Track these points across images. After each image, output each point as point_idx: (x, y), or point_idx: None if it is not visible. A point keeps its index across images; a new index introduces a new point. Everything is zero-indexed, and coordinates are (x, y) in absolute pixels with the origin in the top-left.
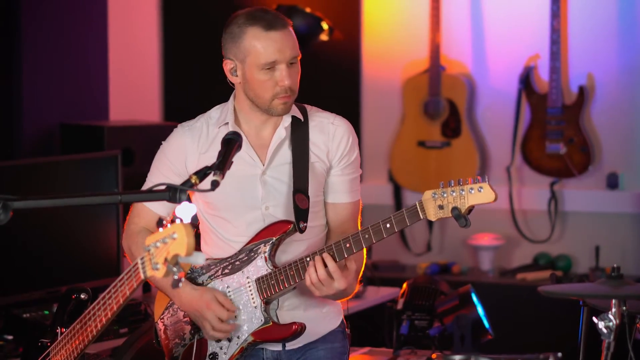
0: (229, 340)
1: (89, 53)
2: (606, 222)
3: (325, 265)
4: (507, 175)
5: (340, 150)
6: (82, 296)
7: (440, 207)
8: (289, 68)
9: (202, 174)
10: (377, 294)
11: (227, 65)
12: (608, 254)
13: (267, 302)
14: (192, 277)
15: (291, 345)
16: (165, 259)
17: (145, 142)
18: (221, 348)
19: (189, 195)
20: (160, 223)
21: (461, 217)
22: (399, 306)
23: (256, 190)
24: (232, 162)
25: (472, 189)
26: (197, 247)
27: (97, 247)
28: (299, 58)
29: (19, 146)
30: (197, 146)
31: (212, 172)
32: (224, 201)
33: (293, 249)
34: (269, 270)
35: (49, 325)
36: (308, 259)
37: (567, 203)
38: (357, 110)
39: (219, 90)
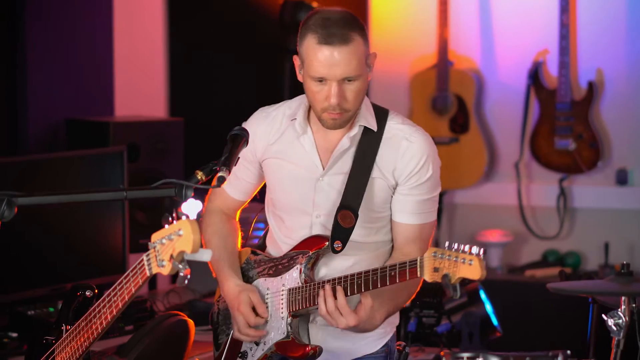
0: (257, 344)
1: (94, 48)
2: (616, 219)
3: (335, 298)
4: (516, 171)
5: (408, 169)
6: (87, 293)
7: (436, 269)
8: (342, 85)
9: (208, 169)
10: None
11: (296, 61)
12: (617, 250)
13: (294, 316)
14: (247, 268)
15: None
16: (171, 256)
17: (151, 137)
18: (251, 349)
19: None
20: (166, 219)
21: (449, 286)
22: (407, 303)
23: (310, 194)
24: (238, 158)
25: (464, 259)
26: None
27: (103, 244)
28: (358, 76)
29: (23, 142)
30: (268, 135)
31: (218, 168)
32: (280, 200)
33: (336, 263)
34: (300, 284)
35: (53, 323)
36: (323, 284)
37: (576, 199)
38: None
39: (225, 85)
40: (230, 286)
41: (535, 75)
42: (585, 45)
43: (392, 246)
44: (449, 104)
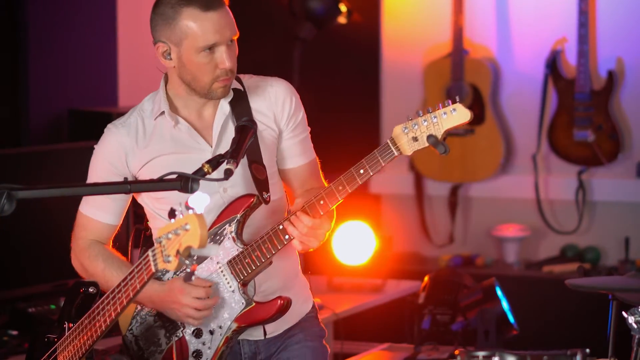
0: (211, 333)
1: (97, 36)
2: (636, 212)
3: (302, 221)
4: (533, 164)
5: (286, 112)
6: (91, 290)
7: (415, 139)
8: (228, 49)
9: (215, 162)
10: (398, 288)
11: (160, 49)
12: (638, 245)
13: (244, 284)
14: (157, 277)
15: (272, 333)
16: (178, 251)
17: None
18: (204, 343)
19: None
20: (172, 214)
21: (439, 143)
22: (421, 300)
23: (210, 174)
24: (246, 149)
25: (444, 113)
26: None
27: None
28: (235, 38)
29: (25, 133)
30: (136, 142)
31: (226, 161)
32: (177, 193)
33: (258, 226)
34: (240, 249)
35: (55, 320)
36: (280, 226)
37: (596, 192)
38: (377, 96)
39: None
40: (156, 288)
41: (553, 64)
42: (604, 33)
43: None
44: (464, 94)
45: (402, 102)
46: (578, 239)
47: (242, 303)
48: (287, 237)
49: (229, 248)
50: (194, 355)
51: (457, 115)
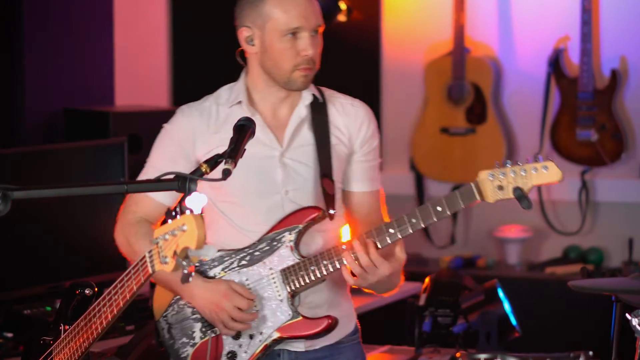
0: (251, 337)
1: (93, 34)
2: None
3: (367, 252)
4: None
5: (362, 134)
6: (87, 291)
7: (500, 187)
8: (312, 38)
9: (212, 162)
10: (398, 289)
11: (243, 33)
12: None
13: (293, 295)
14: (202, 270)
15: (311, 347)
16: (175, 252)
17: (153, 128)
18: (240, 346)
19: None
20: (169, 214)
21: (524, 198)
22: (421, 302)
23: (275, 173)
24: (244, 149)
25: (535, 168)
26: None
27: (103, 240)
28: (321, 30)
29: (20, 133)
30: (207, 127)
31: (224, 161)
32: (239, 187)
33: (314, 240)
34: (297, 260)
35: (51, 322)
36: (344, 246)
37: (599, 193)
38: (377, 95)
39: (230, 73)
40: (200, 285)
41: (555, 62)
42: (608, 31)
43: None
44: (465, 93)
45: (402, 101)
46: (581, 240)
47: (289, 314)
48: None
49: (285, 256)
50: (228, 355)
51: (548, 174)
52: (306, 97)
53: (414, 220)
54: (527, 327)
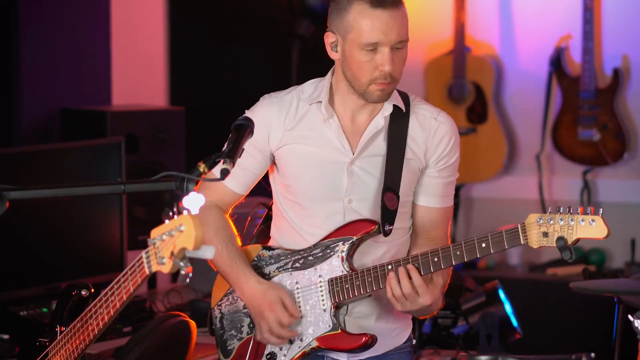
0: (291, 342)
1: (90, 34)
2: None
3: (410, 278)
4: (537, 164)
5: (439, 150)
6: (83, 293)
7: (545, 234)
8: (392, 52)
9: (211, 161)
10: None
11: (329, 39)
12: None
13: (337, 307)
14: (259, 265)
15: (354, 356)
16: (172, 253)
17: (151, 128)
18: (281, 349)
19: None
20: (166, 214)
21: (566, 249)
22: None
23: (341, 179)
24: (243, 149)
25: (582, 220)
26: (267, 234)
27: (100, 240)
28: (407, 42)
29: (16, 133)
30: (283, 121)
31: (222, 160)
32: (305, 187)
33: (373, 251)
34: (345, 272)
35: (47, 324)
36: (390, 267)
37: (601, 193)
38: None
39: (229, 73)
40: (253, 285)
41: (557, 61)
42: (610, 29)
43: (411, 233)
44: (466, 92)
45: None
46: (583, 241)
47: (329, 326)
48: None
49: (336, 267)
50: (268, 356)
51: (594, 228)
52: (387, 107)
53: (458, 253)
54: (529, 328)
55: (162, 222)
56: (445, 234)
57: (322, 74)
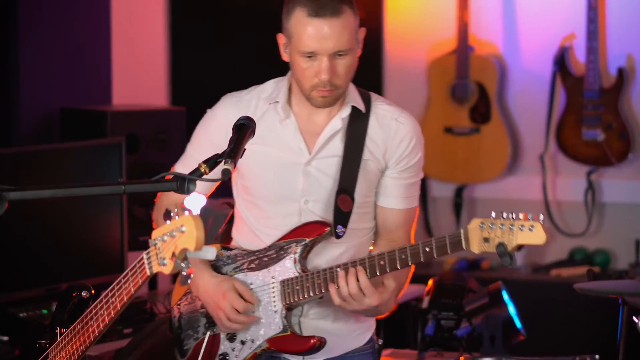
0: (243, 343)
1: (90, 33)
2: None
3: (358, 279)
4: (541, 164)
5: (400, 151)
6: (84, 294)
7: (486, 239)
8: (333, 60)
9: (212, 162)
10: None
11: (281, 39)
12: None
13: (289, 309)
14: (217, 265)
15: (310, 358)
16: (173, 254)
17: (151, 128)
18: (233, 350)
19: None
20: (167, 215)
21: (506, 254)
22: (424, 305)
23: (297, 180)
24: (244, 149)
25: (522, 226)
26: (230, 235)
27: (100, 241)
28: (351, 50)
29: (16, 133)
30: None
31: (223, 161)
32: (262, 187)
33: (329, 251)
34: (296, 274)
35: (47, 325)
36: (339, 269)
37: (605, 194)
38: (379, 94)
39: (229, 72)
40: (207, 279)
41: (561, 61)
42: (614, 29)
43: (374, 233)
44: (469, 92)
45: (405, 100)
46: (587, 242)
47: (279, 327)
48: None
49: (288, 268)
50: (221, 357)
51: (534, 234)
52: (345, 108)
53: (402, 257)
54: (532, 330)
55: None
56: (408, 235)
57: None
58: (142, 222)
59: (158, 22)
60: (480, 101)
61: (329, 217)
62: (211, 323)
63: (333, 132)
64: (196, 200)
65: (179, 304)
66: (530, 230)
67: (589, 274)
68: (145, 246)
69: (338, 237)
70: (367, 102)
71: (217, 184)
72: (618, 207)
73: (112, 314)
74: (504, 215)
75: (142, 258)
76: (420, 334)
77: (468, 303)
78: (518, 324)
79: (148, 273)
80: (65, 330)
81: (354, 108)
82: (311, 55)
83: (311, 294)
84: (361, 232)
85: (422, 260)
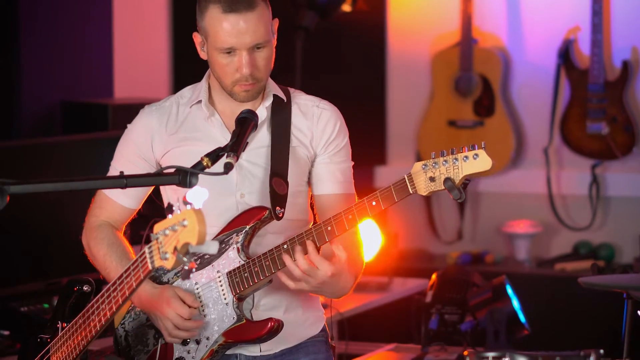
0: (197, 342)
1: (92, 26)
2: None
3: (306, 253)
4: (545, 158)
5: (326, 135)
6: (85, 288)
7: (432, 179)
8: (252, 53)
9: (214, 155)
10: (404, 286)
11: (197, 39)
12: None
13: (240, 298)
14: (156, 275)
15: (268, 351)
16: (175, 248)
17: None
18: (189, 352)
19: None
20: (169, 209)
21: (455, 188)
22: (428, 299)
23: (230, 175)
24: (247, 142)
25: (466, 157)
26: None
27: None
28: (269, 42)
29: (17, 126)
30: (165, 127)
31: (226, 154)
32: (209, 188)
33: (269, 242)
34: (242, 262)
35: (48, 320)
36: (285, 246)
37: (610, 187)
38: (383, 87)
39: None
40: (148, 291)
41: (565, 54)
42: (619, 21)
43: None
44: (473, 84)
45: (408, 93)
46: (591, 236)
47: (233, 318)
48: None
49: (233, 259)
50: None
51: (478, 162)
52: (267, 98)
53: (350, 217)
54: (537, 324)
55: (164, 216)
56: None
57: (327, 66)
58: (144, 215)
59: (160, 15)
60: (484, 94)
61: (267, 205)
62: (160, 333)
63: (260, 122)
64: (198, 194)
65: (122, 324)
66: (474, 159)
67: (594, 268)
68: (147, 240)
69: (279, 218)
70: (287, 94)
71: (146, 195)
72: (623, 201)
73: (114, 309)
74: (444, 152)
75: (144, 252)
76: (424, 328)
77: (472, 297)
78: (522, 318)
79: (150, 267)
80: (67, 325)
81: (275, 97)
82: (230, 51)
83: (261, 277)
84: (297, 224)
85: (369, 214)
